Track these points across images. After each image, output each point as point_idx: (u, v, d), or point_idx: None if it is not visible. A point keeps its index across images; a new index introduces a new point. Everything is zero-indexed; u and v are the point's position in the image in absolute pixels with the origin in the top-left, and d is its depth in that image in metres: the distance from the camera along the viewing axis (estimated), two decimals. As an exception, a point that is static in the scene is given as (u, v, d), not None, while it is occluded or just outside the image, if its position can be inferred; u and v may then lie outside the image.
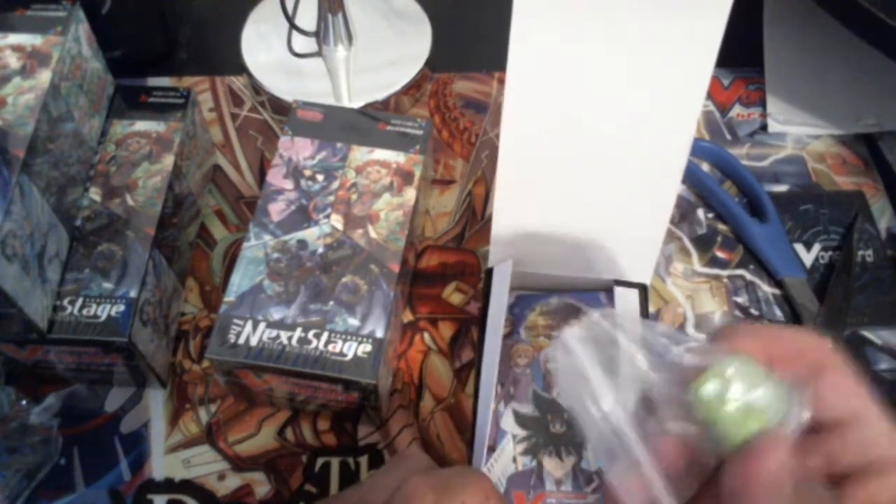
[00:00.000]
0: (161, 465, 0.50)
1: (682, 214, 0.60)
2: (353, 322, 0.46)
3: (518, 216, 0.47)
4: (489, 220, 0.59)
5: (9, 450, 0.48)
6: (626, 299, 0.48)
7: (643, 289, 0.49)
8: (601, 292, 0.50)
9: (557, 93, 0.41)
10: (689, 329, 0.54)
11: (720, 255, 0.58)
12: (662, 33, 0.39)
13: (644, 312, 0.48)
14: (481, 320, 0.48)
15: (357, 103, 0.63)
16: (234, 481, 0.49)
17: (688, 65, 0.40)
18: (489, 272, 0.49)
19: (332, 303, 0.47)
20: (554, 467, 0.44)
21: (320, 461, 0.50)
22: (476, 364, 0.47)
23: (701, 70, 0.40)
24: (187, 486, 0.49)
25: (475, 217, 0.59)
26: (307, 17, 0.64)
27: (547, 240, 0.48)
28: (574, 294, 0.49)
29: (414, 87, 0.65)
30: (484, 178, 0.61)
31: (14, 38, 0.49)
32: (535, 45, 0.39)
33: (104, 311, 0.47)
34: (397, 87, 0.64)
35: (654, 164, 0.44)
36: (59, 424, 0.50)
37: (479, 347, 0.47)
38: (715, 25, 0.38)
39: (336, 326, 0.46)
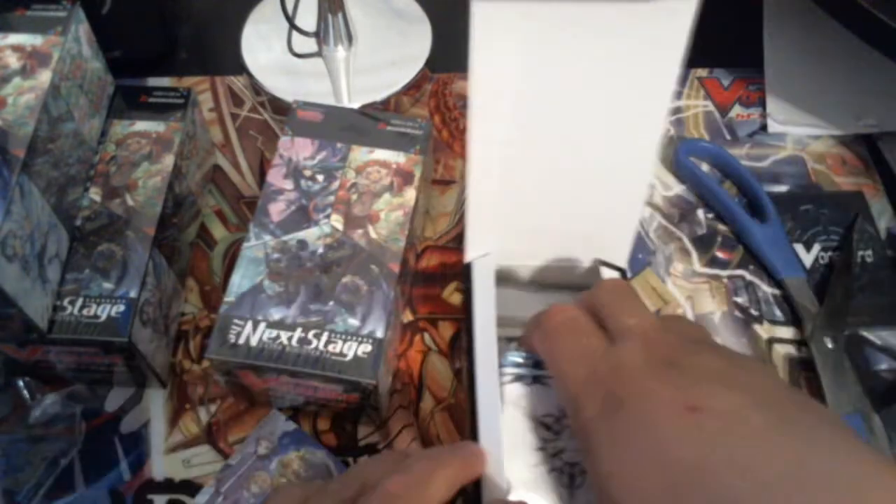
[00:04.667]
0: (161, 465, 0.50)
1: (682, 214, 0.60)
2: (353, 322, 0.46)
3: (492, 210, 0.46)
4: (489, 221, 0.59)
5: (33, 439, 0.48)
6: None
7: (623, 273, 0.49)
8: None
9: (523, 94, 0.41)
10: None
11: (720, 255, 0.58)
12: (629, 33, 0.39)
13: None
14: (466, 321, 0.47)
15: (357, 103, 0.63)
16: (234, 481, 0.49)
17: (655, 63, 0.40)
18: (468, 267, 0.48)
19: (332, 303, 0.47)
20: None
21: (320, 461, 0.50)
22: (468, 371, 0.47)
23: (667, 70, 0.40)
24: (187, 486, 0.49)
25: (475, 217, 0.59)
26: (307, 17, 0.64)
27: (523, 231, 0.48)
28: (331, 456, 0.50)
29: (414, 87, 0.65)
30: (484, 179, 0.61)
31: (14, 38, 0.49)
32: (496, 50, 0.39)
33: (104, 311, 0.47)
34: (397, 87, 0.64)
35: (626, 152, 0.44)
36: (82, 412, 0.50)
37: (468, 353, 0.46)
38: (681, 26, 0.38)
39: (336, 326, 0.46)
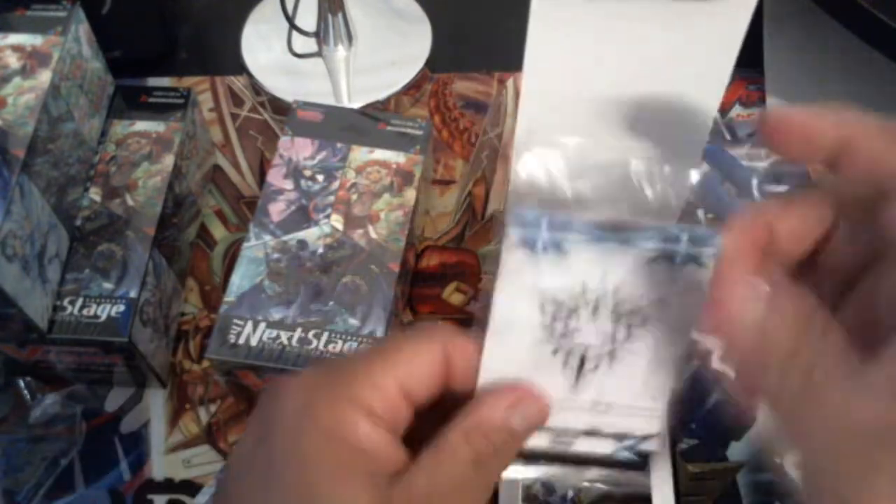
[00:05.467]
0: (161, 465, 0.50)
1: (682, 214, 0.60)
2: (354, 322, 0.46)
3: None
4: (489, 220, 0.59)
5: (33, 439, 0.48)
6: None
7: None
8: None
9: (573, 90, 0.42)
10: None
11: (720, 255, 0.58)
12: (684, 30, 0.39)
13: None
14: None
15: (357, 103, 0.63)
16: (234, 481, 0.49)
17: (708, 61, 0.41)
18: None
19: (332, 303, 0.47)
20: None
21: (320, 461, 0.50)
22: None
23: (721, 67, 0.41)
24: (187, 486, 0.49)
25: (475, 217, 0.59)
26: (307, 17, 0.64)
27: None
28: None
29: (414, 87, 0.65)
30: (484, 178, 0.61)
31: (14, 38, 0.49)
32: (551, 45, 0.39)
33: (104, 311, 0.47)
34: (397, 87, 0.64)
35: (674, 147, 0.45)
36: (82, 412, 0.50)
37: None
38: (737, 24, 0.39)
39: (336, 326, 0.46)
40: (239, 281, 0.48)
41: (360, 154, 0.53)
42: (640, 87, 0.41)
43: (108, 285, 0.47)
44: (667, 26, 0.38)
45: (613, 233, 0.27)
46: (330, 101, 0.63)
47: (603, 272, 0.28)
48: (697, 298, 0.28)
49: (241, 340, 0.46)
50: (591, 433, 0.31)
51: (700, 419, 0.51)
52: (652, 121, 0.43)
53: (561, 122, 0.43)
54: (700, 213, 0.60)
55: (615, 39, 0.39)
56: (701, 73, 0.40)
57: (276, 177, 0.52)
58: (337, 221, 0.50)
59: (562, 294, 0.29)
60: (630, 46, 0.39)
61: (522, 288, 0.29)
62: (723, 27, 0.38)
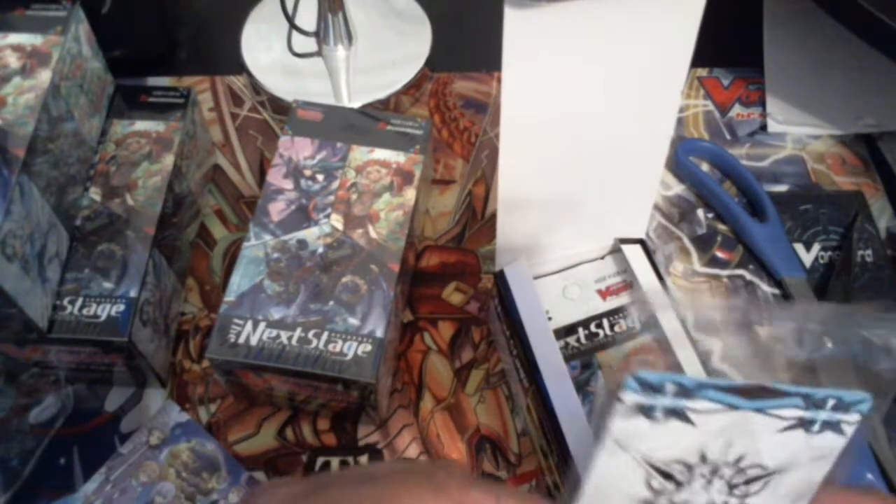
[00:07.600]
0: (161, 465, 0.50)
1: (682, 214, 0.60)
2: (353, 322, 0.46)
3: (520, 214, 0.47)
4: (489, 220, 0.59)
5: (22, 409, 0.49)
6: (634, 254, 0.50)
7: (643, 243, 0.50)
8: None
9: (548, 93, 0.42)
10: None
11: (720, 255, 0.58)
12: (642, 29, 0.40)
13: (652, 263, 0.50)
14: (514, 331, 0.47)
15: (357, 103, 0.63)
16: (234, 481, 0.49)
17: (666, 56, 0.41)
18: (501, 275, 0.48)
19: (332, 303, 0.47)
20: None
21: (320, 461, 0.50)
22: (534, 385, 0.45)
23: (678, 63, 0.42)
24: (187, 486, 0.49)
25: (475, 217, 0.59)
26: (307, 17, 0.64)
27: (550, 227, 0.48)
28: None
29: (414, 87, 0.65)
30: (484, 178, 0.61)
31: (14, 38, 0.49)
32: (526, 53, 0.40)
33: (104, 311, 0.47)
34: (397, 87, 0.64)
35: (642, 140, 0.46)
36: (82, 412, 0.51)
37: (527, 364, 0.45)
38: (690, 19, 0.39)
39: (336, 326, 0.46)
40: (239, 281, 0.48)
41: (360, 154, 0.53)
42: (609, 80, 0.42)
43: (107, 285, 0.47)
44: (627, 20, 0.39)
45: (749, 400, 0.24)
46: (330, 100, 0.63)
47: (727, 443, 0.25)
48: (823, 466, 0.25)
49: (241, 340, 0.46)
50: None
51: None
52: (622, 109, 0.44)
53: (538, 128, 0.43)
54: (700, 212, 0.60)
55: (581, 41, 0.40)
56: (663, 59, 0.42)
57: (276, 176, 0.52)
58: (337, 221, 0.50)
59: (675, 467, 0.26)
60: (596, 44, 0.40)
61: (630, 460, 0.25)
62: (678, 17, 0.40)
